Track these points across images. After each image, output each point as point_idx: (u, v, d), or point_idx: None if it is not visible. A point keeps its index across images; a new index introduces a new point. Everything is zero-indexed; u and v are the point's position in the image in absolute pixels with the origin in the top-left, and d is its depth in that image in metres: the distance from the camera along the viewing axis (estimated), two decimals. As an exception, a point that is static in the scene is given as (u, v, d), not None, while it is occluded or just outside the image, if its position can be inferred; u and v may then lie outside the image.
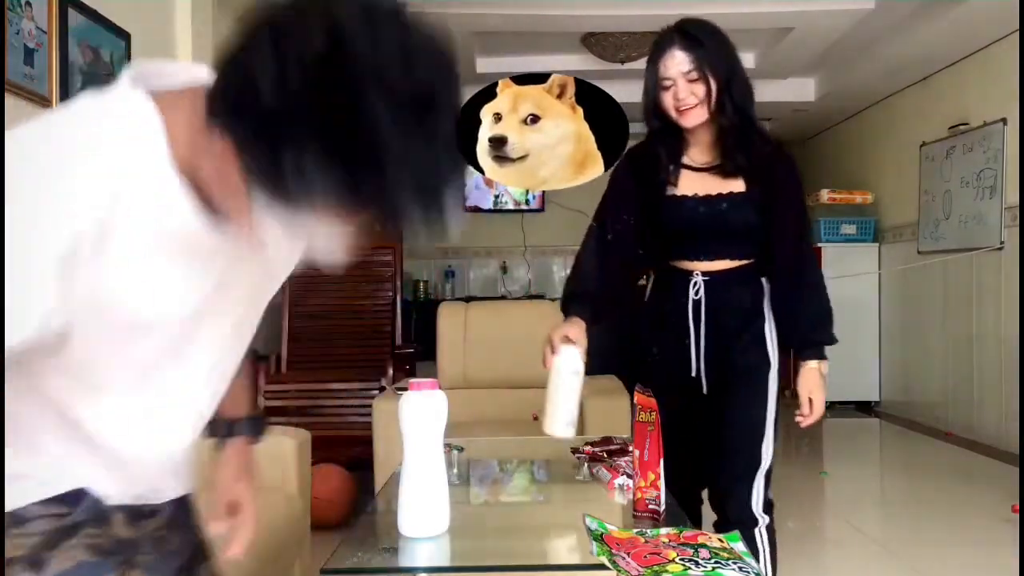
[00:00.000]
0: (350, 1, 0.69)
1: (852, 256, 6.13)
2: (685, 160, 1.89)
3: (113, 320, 0.80)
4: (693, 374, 1.91)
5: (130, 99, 0.77)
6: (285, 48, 0.66)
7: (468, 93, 5.99)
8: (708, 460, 1.95)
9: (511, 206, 7.66)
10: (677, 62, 1.78)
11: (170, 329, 0.86)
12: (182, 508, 1.05)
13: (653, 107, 1.85)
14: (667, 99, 1.81)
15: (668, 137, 1.87)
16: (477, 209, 7.63)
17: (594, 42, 4.90)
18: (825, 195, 6.20)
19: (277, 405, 3.79)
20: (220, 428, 1.16)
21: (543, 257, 7.86)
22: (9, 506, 0.86)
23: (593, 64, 5.30)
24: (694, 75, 1.76)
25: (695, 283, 1.88)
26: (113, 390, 0.88)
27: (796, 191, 1.87)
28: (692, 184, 1.88)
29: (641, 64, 1.87)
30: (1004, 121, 4.59)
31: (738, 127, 1.81)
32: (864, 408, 6.17)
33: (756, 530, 1.87)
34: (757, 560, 1.82)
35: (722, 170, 1.85)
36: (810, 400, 1.85)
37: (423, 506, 1.50)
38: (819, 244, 6.16)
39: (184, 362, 0.90)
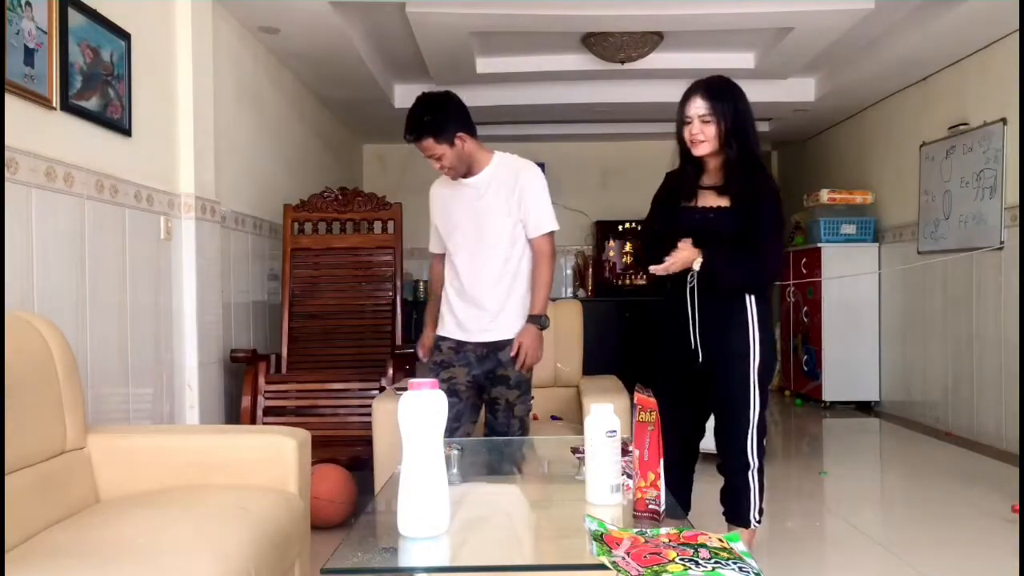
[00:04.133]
0: None
1: (852, 256, 6.12)
2: (700, 181, 2.46)
3: None
4: (693, 347, 2.42)
5: None
6: None
7: (468, 93, 5.99)
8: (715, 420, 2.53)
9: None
10: (696, 107, 2.35)
11: None
12: None
13: (678, 135, 2.43)
14: (685, 132, 2.39)
15: (691, 161, 2.44)
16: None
17: (594, 42, 4.90)
18: (825, 195, 6.19)
19: (277, 405, 3.79)
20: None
21: (543, 257, 7.84)
22: None
23: (593, 64, 5.29)
24: (707, 119, 2.34)
25: (691, 273, 2.39)
26: None
27: (766, 213, 2.37)
28: (700, 199, 2.45)
29: (641, 64, 2.25)
30: (1004, 121, 4.59)
31: (735, 161, 2.35)
32: (864, 408, 6.17)
33: (749, 472, 2.42)
34: (749, 495, 2.43)
35: (718, 191, 2.41)
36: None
37: (423, 506, 1.50)
38: (819, 244, 6.17)
39: None
